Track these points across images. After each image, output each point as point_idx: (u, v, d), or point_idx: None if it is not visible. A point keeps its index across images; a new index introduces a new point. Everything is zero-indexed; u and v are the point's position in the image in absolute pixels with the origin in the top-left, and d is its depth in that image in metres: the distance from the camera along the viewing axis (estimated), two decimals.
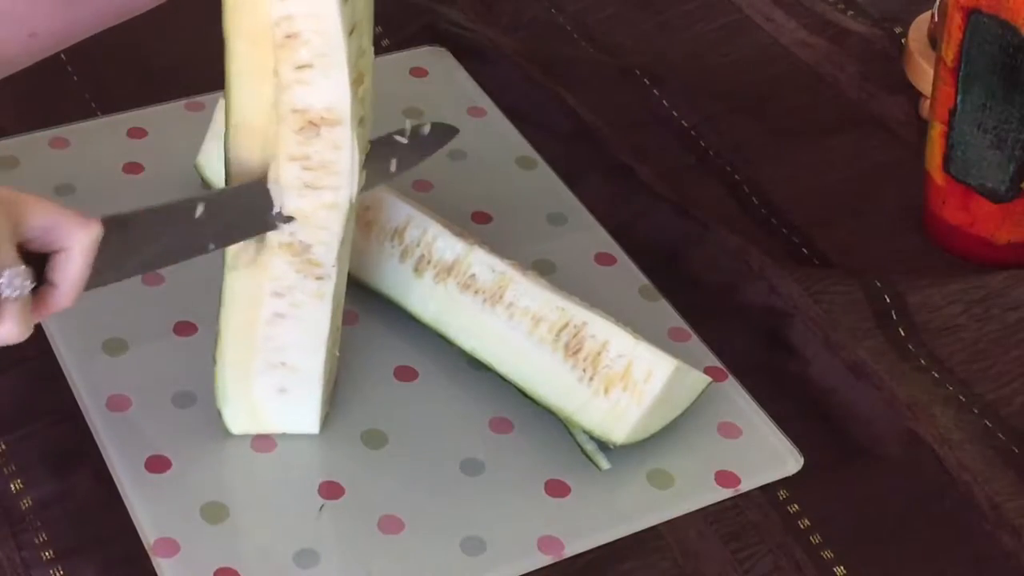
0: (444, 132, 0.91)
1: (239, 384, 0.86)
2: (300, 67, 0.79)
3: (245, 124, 0.81)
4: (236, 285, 0.84)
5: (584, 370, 0.89)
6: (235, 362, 0.86)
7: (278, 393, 0.87)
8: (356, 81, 0.80)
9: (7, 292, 0.70)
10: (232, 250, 0.83)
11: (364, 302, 0.95)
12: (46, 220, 0.72)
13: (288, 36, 0.78)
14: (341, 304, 0.88)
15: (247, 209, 0.82)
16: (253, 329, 0.85)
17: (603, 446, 0.89)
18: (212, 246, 0.81)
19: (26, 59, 0.92)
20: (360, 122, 0.82)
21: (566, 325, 0.90)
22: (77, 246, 0.73)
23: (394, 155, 0.89)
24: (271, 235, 0.82)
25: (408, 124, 0.89)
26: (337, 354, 0.89)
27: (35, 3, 0.89)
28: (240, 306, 0.85)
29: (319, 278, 0.84)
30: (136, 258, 0.78)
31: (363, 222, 0.96)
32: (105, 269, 0.75)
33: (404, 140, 0.89)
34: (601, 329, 0.89)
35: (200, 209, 0.80)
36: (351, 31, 0.78)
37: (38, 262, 0.73)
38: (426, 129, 0.90)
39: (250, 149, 0.81)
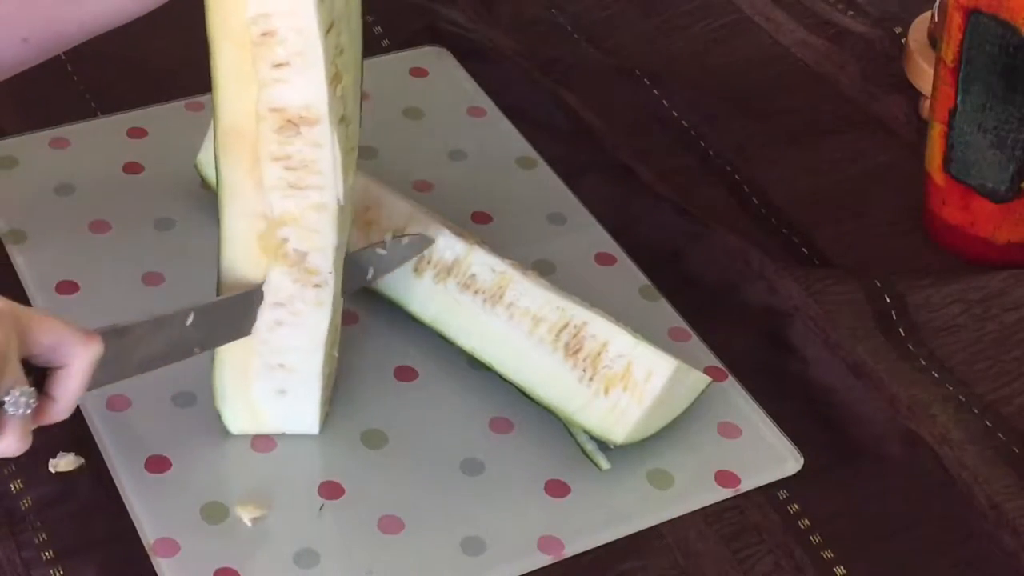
0: (421, 241, 0.93)
1: (238, 385, 0.86)
2: (277, 65, 0.79)
3: (234, 128, 0.81)
4: None
5: (584, 370, 0.89)
6: (233, 364, 0.86)
7: (277, 395, 0.87)
8: (334, 79, 0.80)
9: (12, 411, 0.72)
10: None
11: (364, 302, 0.95)
12: (51, 338, 0.74)
13: (264, 34, 0.78)
14: (340, 306, 0.88)
15: (233, 316, 0.84)
16: (251, 336, 0.85)
17: (603, 446, 0.89)
18: (197, 350, 0.83)
19: (18, 65, 0.92)
20: (342, 120, 0.82)
21: (566, 325, 0.90)
22: (78, 363, 0.75)
23: (372, 264, 0.91)
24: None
25: (388, 236, 0.92)
26: (336, 355, 0.89)
27: (28, 8, 0.89)
28: (240, 346, 0.86)
29: (317, 286, 0.84)
30: (127, 363, 0.80)
31: (363, 222, 0.96)
32: (99, 373, 0.77)
33: (383, 252, 0.91)
34: (601, 329, 0.89)
35: (191, 318, 0.81)
36: (328, 29, 0.78)
37: (37, 372, 0.75)
38: (404, 240, 0.92)
39: (239, 154, 0.81)
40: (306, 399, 0.87)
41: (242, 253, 0.84)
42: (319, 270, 0.84)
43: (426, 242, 0.93)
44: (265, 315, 0.85)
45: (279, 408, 0.87)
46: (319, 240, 0.83)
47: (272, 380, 0.87)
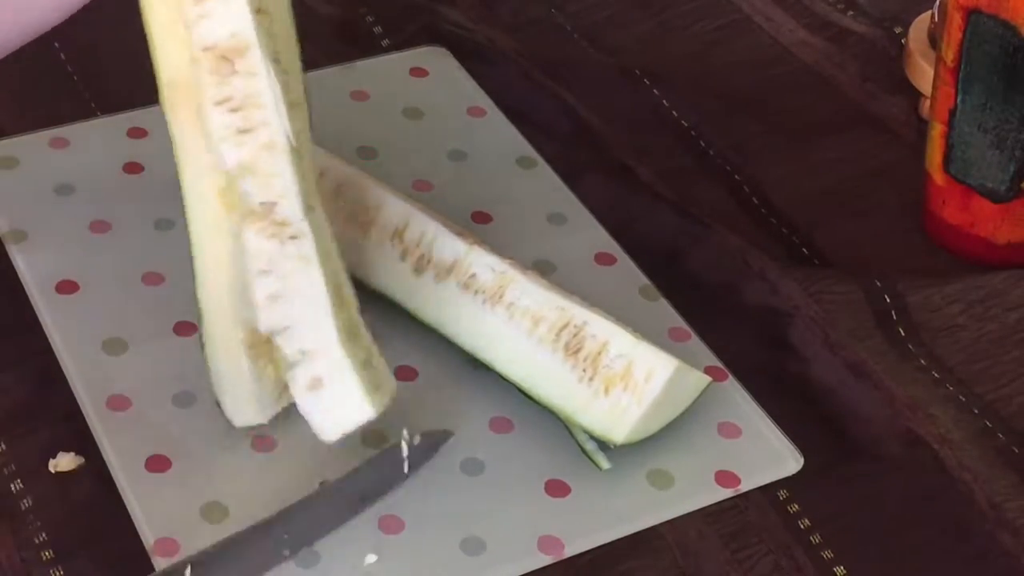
0: (440, 437, 0.90)
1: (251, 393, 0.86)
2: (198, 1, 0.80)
3: (174, 81, 0.81)
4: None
5: (584, 370, 0.89)
6: (240, 372, 0.85)
7: (314, 392, 0.85)
8: (260, 11, 0.81)
9: None
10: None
11: (364, 302, 0.95)
12: None
13: None
14: (340, 269, 0.87)
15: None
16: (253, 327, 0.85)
17: (603, 446, 0.89)
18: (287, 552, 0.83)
19: None
20: (278, 63, 0.82)
21: (566, 325, 0.90)
22: None
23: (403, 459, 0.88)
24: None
25: (405, 435, 0.88)
26: (366, 333, 0.87)
27: None
28: (226, 317, 0.84)
29: (294, 237, 0.83)
30: None
31: (363, 222, 0.96)
32: None
33: (405, 453, 0.88)
34: (601, 329, 0.89)
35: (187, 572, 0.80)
36: None
37: None
38: (417, 439, 0.88)
39: (184, 107, 0.81)
40: (343, 385, 0.85)
41: (210, 216, 0.83)
42: (290, 219, 0.82)
43: (445, 437, 0.90)
44: (258, 292, 0.83)
45: (322, 405, 0.85)
46: (280, 185, 0.82)
47: (301, 375, 0.85)
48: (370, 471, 0.86)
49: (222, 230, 0.83)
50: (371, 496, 0.86)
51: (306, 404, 0.85)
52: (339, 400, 0.85)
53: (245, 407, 0.87)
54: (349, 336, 0.85)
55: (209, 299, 0.84)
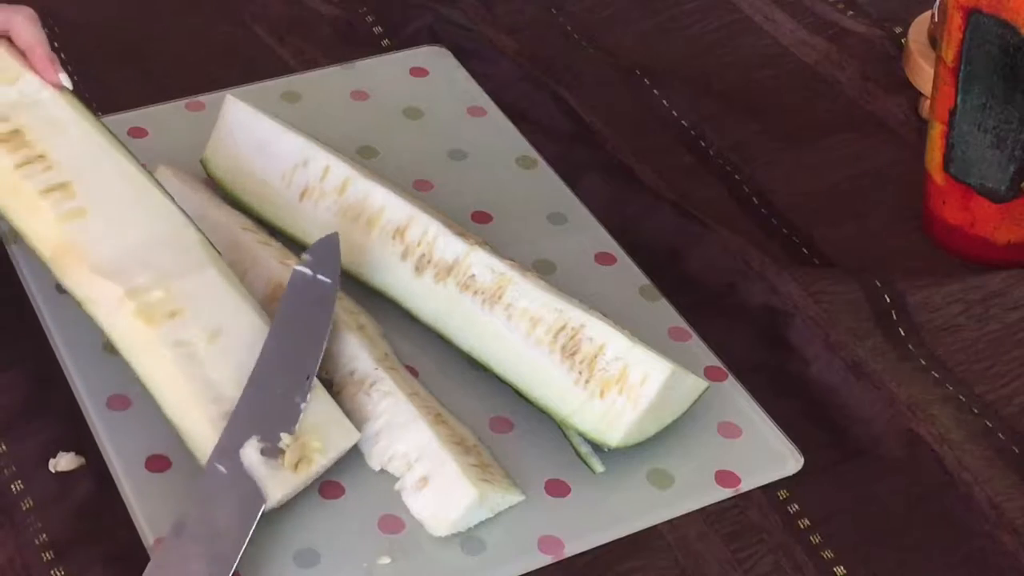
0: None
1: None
2: None
3: (56, 251, 0.88)
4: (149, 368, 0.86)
5: (580, 372, 0.89)
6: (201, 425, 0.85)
7: (420, 491, 0.86)
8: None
9: None
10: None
11: (364, 302, 0.95)
12: None
13: None
14: (427, 394, 0.89)
15: None
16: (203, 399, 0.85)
17: (598, 449, 0.89)
18: None
19: None
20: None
21: (563, 327, 0.90)
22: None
23: None
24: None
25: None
26: (482, 448, 0.88)
27: None
28: (174, 382, 0.85)
29: (373, 383, 0.88)
30: None
31: (364, 221, 0.96)
32: None
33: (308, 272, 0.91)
34: (598, 332, 0.89)
35: None
36: None
37: None
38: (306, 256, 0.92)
39: (76, 265, 0.87)
40: (444, 474, 0.85)
41: (140, 341, 0.86)
42: (367, 375, 0.88)
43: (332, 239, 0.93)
44: (364, 442, 0.87)
45: (431, 500, 0.85)
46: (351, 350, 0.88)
47: (409, 480, 0.86)
48: (295, 302, 0.89)
49: (154, 345, 0.85)
50: (316, 318, 0.89)
51: (417, 506, 0.85)
52: (443, 488, 0.85)
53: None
54: (456, 444, 0.86)
55: (183, 417, 0.85)
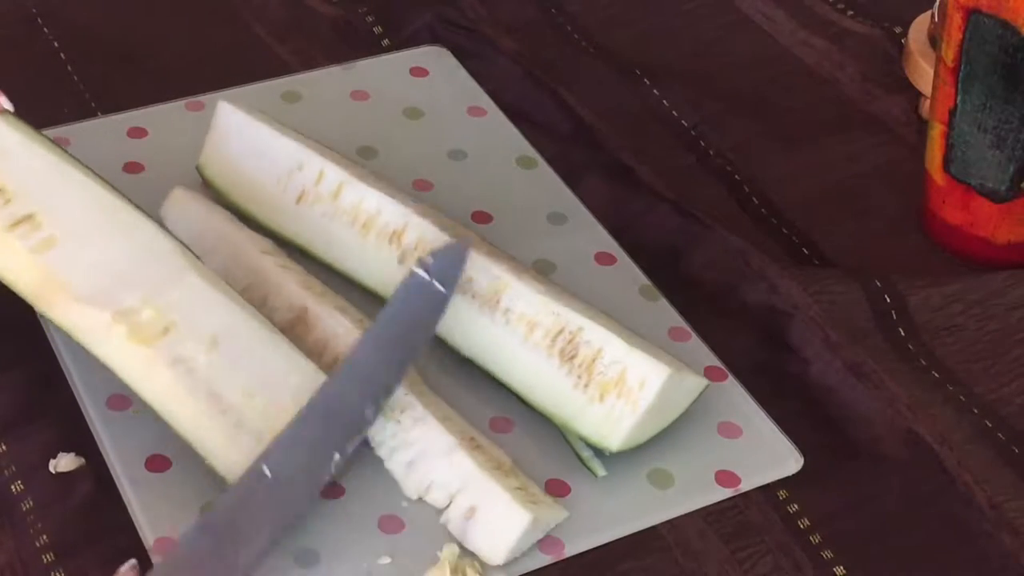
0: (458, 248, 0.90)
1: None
2: None
3: (37, 289, 0.85)
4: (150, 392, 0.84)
5: (579, 376, 0.89)
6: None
7: (470, 520, 0.85)
8: None
9: None
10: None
11: (364, 303, 0.95)
12: None
13: None
14: (458, 417, 0.88)
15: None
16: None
17: (599, 452, 0.89)
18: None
19: None
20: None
21: (561, 331, 0.90)
22: None
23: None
24: None
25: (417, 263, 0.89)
26: (518, 471, 0.87)
27: None
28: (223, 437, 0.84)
29: (403, 410, 0.86)
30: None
31: (359, 225, 0.96)
32: None
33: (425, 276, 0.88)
34: (596, 335, 0.89)
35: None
36: None
37: None
38: (430, 259, 0.89)
39: (61, 298, 0.85)
40: (493, 500, 0.84)
41: (139, 363, 0.84)
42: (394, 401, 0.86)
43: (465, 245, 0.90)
44: (395, 469, 0.85)
45: (482, 528, 0.84)
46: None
47: (455, 513, 0.85)
48: (402, 306, 0.86)
49: (154, 365, 0.84)
50: (418, 329, 0.86)
51: (468, 536, 0.84)
52: (495, 516, 0.84)
53: None
54: (496, 469, 0.85)
55: (197, 434, 0.84)
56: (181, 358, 0.84)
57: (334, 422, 0.84)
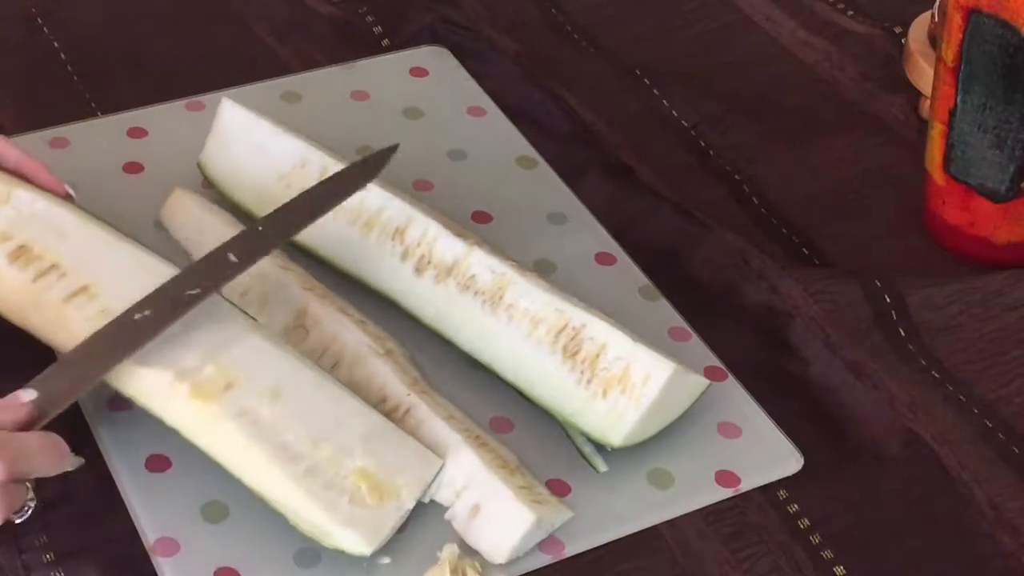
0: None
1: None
2: None
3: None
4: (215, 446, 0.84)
5: (582, 372, 0.89)
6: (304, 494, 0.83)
7: (474, 519, 0.85)
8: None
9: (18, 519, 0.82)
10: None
11: (364, 302, 0.95)
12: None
13: None
14: (463, 417, 0.88)
15: None
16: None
17: (601, 449, 0.89)
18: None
19: None
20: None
21: (565, 327, 0.90)
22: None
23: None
24: None
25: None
26: (524, 470, 0.87)
27: None
28: (244, 453, 0.83)
29: (407, 410, 0.87)
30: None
31: (363, 222, 0.96)
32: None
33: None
34: (600, 331, 0.89)
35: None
36: None
37: None
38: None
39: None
40: (497, 498, 0.84)
41: (200, 419, 0.83)
42: (394, 399, 0.87)
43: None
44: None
45: (486, 527, 0.84)
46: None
47: (460, 510, 0.85)
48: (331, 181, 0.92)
49: (219, 419, 0.83)
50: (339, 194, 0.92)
51: (472, 534, 0.84)
52: (498, 515, 0.84)
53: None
54: (501, 468, 0.85)
55: (267, 484, 0.83)
56: (245, 411, 0.84)
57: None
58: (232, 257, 0.88)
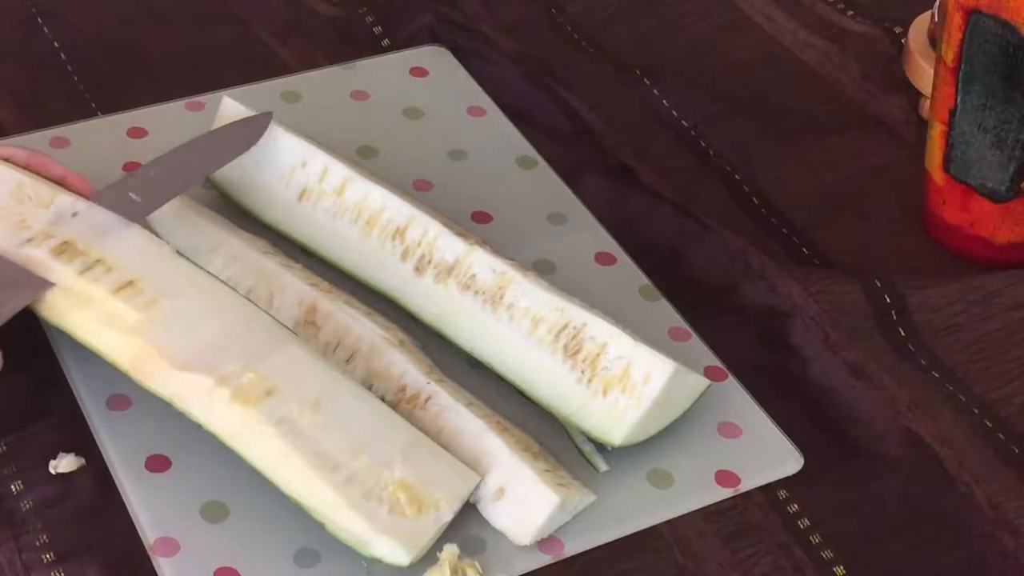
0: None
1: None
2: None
3: (134, 358, 0.87)
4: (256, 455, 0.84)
5: (583, 371, 0.89)
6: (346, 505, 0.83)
7: (498, 501, 0.85)
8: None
9: None
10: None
11: (365, 302, 0.95)
12: None
13: None
14: (480, 403, 0.89)
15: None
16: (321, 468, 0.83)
17: (601, 448, 0.89)
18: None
19: None
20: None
21: (565, 326, 0.90)
22: None
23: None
24: None
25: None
26: (547, 455, 0.87)
27: None
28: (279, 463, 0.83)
29: (428, 398, 0.87)
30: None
31: (363, 222, 0.96)
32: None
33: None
34: (600, 330, 0.89)
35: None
36: None
37: None
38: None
39: (153, 366, 0.86)
40: (521, 480, 0.85)
41: (239, 424, 0.84)
42: (414, 387, 0.88)
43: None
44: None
45: (511, 509, 0.85)
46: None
47: (485, 493, 0.85)
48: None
49: (259, 425, 0.83)
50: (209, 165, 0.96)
51: (497, 517, 0.85)
52: (523, 497, 0.84)
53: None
54: (525, 452, 0.86)
55: (306, 491, 0.83)
56: (285, 418, 0.84)
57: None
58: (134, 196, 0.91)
